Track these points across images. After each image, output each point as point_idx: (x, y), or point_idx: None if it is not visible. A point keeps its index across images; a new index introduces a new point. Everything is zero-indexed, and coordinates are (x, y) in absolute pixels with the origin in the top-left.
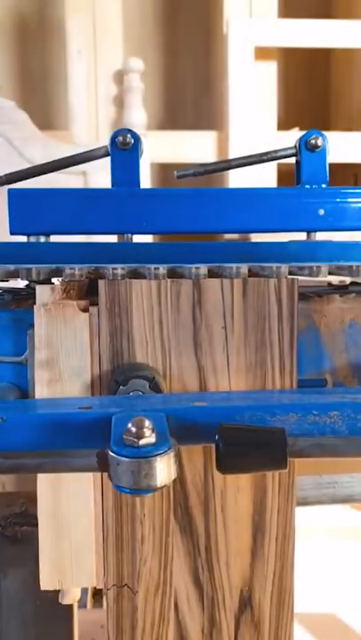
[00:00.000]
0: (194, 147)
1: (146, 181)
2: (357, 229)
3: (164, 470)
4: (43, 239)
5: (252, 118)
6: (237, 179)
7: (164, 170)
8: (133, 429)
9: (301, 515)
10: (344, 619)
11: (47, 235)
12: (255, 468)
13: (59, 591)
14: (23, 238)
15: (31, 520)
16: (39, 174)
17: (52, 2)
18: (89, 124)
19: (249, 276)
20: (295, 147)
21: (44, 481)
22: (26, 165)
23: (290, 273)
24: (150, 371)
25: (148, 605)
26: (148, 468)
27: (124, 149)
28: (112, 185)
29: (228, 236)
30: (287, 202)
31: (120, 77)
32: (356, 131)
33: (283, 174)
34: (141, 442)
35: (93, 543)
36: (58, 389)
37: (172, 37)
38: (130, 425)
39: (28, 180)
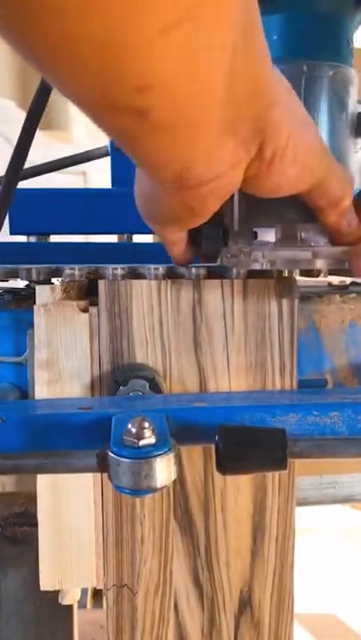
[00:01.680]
0: None
1: None
2: None
3: (164, 471)
4: (43, 239)
5: None
6: None
7: None
8: (133, 430)
9: (301, 515)
10: (344, 619)
11: (47, 235)
12: (255, 469)
13: (59, 591)
14: (23, 238)
15: (31, 520)
16: (39, 174)
17: None
18: (89, 124)
19: (249, 277)
20: None
21: (43, 481)
22: (26, 165)
23: (289, 273)
24: (150, 371)
25: (147, 606)
26: (148, 469)
27: None
28: (112, 185)
29: None
30: None
31: None
32: None
33: None
34: (141, 442)
35: (93, 543)
36: (58, 390)
37: None
38: (130, 425)
39: (27, 180)
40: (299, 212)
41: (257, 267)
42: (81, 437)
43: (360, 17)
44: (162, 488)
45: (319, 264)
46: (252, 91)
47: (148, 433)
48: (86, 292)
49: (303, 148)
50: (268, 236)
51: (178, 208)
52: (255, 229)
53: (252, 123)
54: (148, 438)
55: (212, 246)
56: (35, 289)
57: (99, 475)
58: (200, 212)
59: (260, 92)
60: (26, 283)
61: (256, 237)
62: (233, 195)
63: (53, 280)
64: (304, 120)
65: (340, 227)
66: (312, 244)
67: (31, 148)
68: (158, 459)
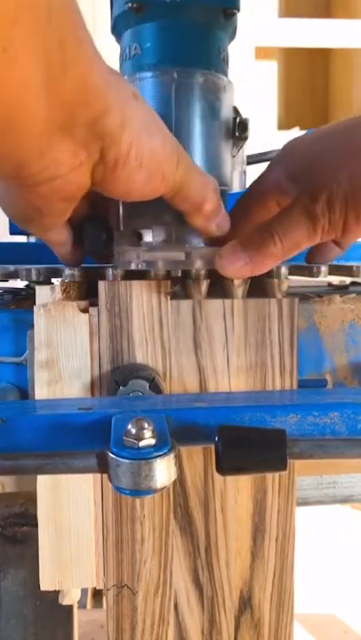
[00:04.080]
0: None
1: None
2: None
3: (164, 472)
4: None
5: (252, 118)
6: None
7: None
8: (133, 430)
9: (302, 515)
10: (344, 619)
11: None
12: (255, 470)
13: (59, 591)
14: (23, 238)
15: (31, 520)
16: None
17: None
18: None
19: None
20: None
21: (43, 481)
22: None
23: (290, 273)
24: (150, 371)
25: (147, 606)
26: (147, 470)
27: None
28: None
29: None
30: None
31: None
32: None
33: None
34: (141, 443)
35: (93, 543)
36: (58, 390)
37: None
38: (130, 426)
39: None
40: (174, 214)
41: (133, 267)
42: (81, 438)
43: (233, 27)
44: (162, 489)
45: (198, 264)
46: (82, 98)
47: (147, 433)
48: (86, 292)
49: (149, 154)
50: (155, 236)
51: (26, 207)
52: (139, 230)
53: (89, 127)
54: (148, 439)
55: (95, 246)
56: (35, 289)
57: (99, 475)
58: (48, 212)
59: (92, 99)
60: (26, 283)
61: (141, 238)
62: None
63: (53, 280)
64: (150, 127)
65: (207, 230)
66: (186, 244)
67: None
68: (158, 459)
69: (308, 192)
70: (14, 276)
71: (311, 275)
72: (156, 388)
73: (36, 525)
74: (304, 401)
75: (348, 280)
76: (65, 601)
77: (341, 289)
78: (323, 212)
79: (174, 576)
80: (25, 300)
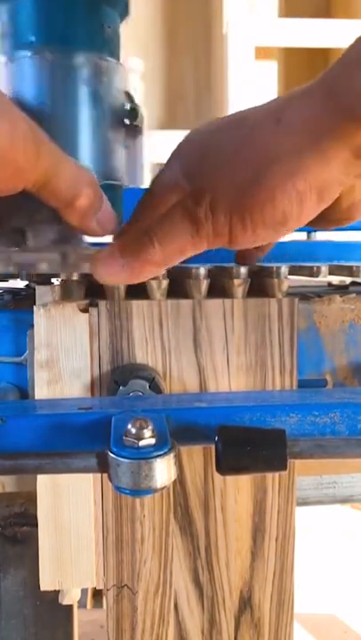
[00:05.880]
0: None
1: (146, 181)
2: (358, 229)
3: (164, 471)
4: None
5: None
6: None
7: None
8: (133, 430)
9: (302, 515)
10: (344, 619)
11: None
12: (255, 470)
13: (59, 591)
14: None
15: (31, 520)
16: None
17: None
18: None
19: (249, 277)
20: None
21: (43, 481)
22: None
23: (290, 273)
24: (150, 371)
25: (147, 606)
26: (147, 470)
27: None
28: None
29: None
30: None
31: None
32: None
33: None
34: (141, 443)
35: (93, 543)
36: (58, 390)
37: (172, 37)
38: (130, 426)
39: None
40: (49, 211)
41: (2, 270)
42: (81, 437)
43: (123, 2)
44: (162, 488)
45: (87, 267)
46: None
47: (147, 433)
48: (86, 292)
49: None
50: (32, 236)
51: None
52: (24, 229)
53: None
54: (148, 439)
55: None
56: (35, 289)
57: (99, 475)
58: None
59: None
60: (26, 283)
61: (24, 238)
62: None
63: (53, 280)
64: None
65: (87, 229)
66: (68, 245)
67: None
68: (158, 459)
69: (194, 193)
70: (14, 275)
71: (311, 275)
72: (156, 387)
73: (36, 525)
74: (304, 401)
75: (348, 280)
76: (65, 601)
77: (341, 289)
78: (206, 217)
79: (174, 576)
80: (25, 299)
